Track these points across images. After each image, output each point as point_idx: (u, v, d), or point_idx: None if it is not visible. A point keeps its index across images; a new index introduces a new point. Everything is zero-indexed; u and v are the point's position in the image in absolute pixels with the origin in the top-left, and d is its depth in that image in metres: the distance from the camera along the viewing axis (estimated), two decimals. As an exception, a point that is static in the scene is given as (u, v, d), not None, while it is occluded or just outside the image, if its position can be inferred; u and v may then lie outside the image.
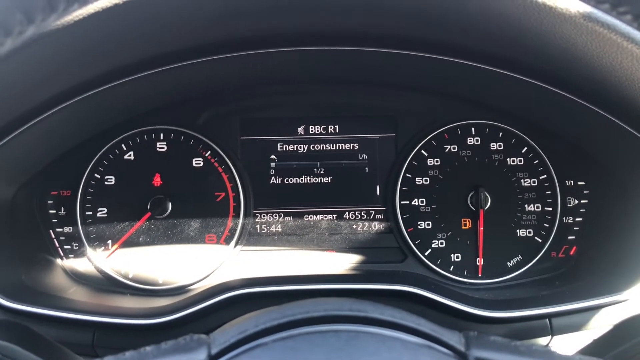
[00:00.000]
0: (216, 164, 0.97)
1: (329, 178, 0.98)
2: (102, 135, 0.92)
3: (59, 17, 0.47)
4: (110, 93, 0.70)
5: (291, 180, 0.98)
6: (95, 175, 0.95)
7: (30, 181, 0.86)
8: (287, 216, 0.98)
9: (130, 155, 0.96)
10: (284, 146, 0.99)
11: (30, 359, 0.49)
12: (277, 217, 0.98)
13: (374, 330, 0.42)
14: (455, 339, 0.42)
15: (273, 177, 0.98)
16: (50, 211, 0.95)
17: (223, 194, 0.97)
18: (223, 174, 0.97)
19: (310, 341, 0.40)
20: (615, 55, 0.55)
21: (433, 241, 0.97)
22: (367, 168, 0.98)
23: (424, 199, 0.97)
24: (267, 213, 0.98)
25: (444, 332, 0.43)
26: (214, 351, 0.40)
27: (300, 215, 0.98)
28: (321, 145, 0.99)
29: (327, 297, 0.48)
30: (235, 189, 0.97)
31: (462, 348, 0.41)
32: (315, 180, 0.99)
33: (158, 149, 0.96)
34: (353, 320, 0.43)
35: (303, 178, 0.99)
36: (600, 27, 0.51)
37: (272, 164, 0.98)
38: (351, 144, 0.99)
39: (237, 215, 0.96)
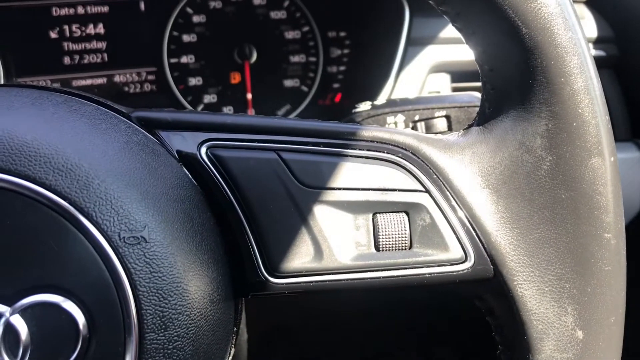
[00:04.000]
0: (-33, 31, 0.92)
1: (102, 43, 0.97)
2: None
3: None
4: None
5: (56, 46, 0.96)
6: None
7: None
8: (55, 84, 0.96)
9: None
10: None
11: None
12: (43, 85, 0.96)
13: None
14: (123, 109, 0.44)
15: (38, 43, 0.95)
16: None
17: (-21, 63, 0.93)
18: (-23, 42, 0.93)
19: None
20: None
21: (205, 96, 1.00)
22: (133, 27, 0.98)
23: (192, 56, 0.99)
24: (32, 82, 0.96)
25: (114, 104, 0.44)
26: None
27: (68, 83, 0.97)
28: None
29: None
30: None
31: (126, 110, 0.44)
32: (85, 45, 0.97)
33: None
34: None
35: (69, 44, 0.97)
36: None
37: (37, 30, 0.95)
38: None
39: (-3, 84, 0.93)
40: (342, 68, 1.04)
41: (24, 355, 0.34)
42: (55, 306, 0.34)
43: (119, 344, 0.35)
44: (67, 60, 0.97)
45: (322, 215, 0.42)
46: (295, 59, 1.02)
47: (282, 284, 0.42)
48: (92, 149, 0.37)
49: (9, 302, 0.34)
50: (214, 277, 0.39)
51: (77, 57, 0.97)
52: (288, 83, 1.02)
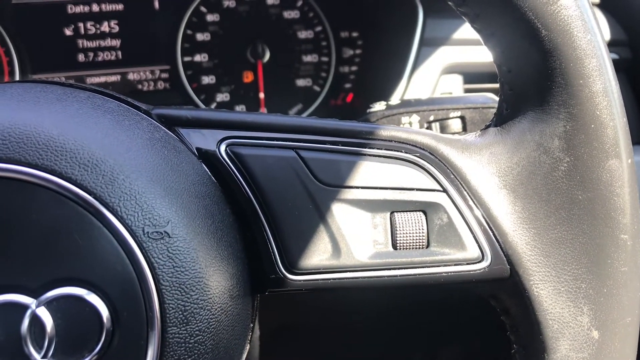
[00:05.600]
0: (-15, 28, 0.93)
1: (116, 40, 0.98)
2: None
3: None
4: None
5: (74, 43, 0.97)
6: None
7: None
8: (69, 81, 0.97)
9: None
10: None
11: None
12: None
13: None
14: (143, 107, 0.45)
15: (53, 40, 0.96)
16: None
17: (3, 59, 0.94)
18: (-7, 38, 0.94)
19: None
20: None
21: (217, 95, 1.00)
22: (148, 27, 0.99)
23: (206, 54, 1.00)
24: (46, 79, 0.96)
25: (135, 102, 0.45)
26: None
27: (82, 80, 0.98)
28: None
29: None
30: (8, 52, 0.94)
31: (146, 107, 0.44)
32: (99, 43, 0.98)
33: None
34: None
35: (84, 42, 0.98)
36: None
37: (53, 27, 0.96)
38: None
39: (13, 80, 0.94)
40: (354, 68, 1.04)
41: (49, 347, 0.35)
42: (80, 299, 0.35)
43: (141, 338, 0.35)
44: (81, 57, 0.98)
45: (340, 213, 0.43)
46: (307, 58, 1.02)
47: (300, 280, 0.42)
48: (116, 145, 0.37)
49: (35, 295, 0.35)
50: (234, 273, 0.40)
51: (91, 54, 0.98)
52: (300, 83, 1.02)
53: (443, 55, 0.90)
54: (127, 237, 0.35)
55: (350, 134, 0.44)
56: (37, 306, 0.35)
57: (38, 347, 0.35)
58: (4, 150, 0.35)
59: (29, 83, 0.43)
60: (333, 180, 0.43)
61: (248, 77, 1.01)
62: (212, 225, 0.39)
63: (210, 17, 1.00)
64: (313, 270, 0.42)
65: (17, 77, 0.94)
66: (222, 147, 0.43)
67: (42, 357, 0.34)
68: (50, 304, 0.35)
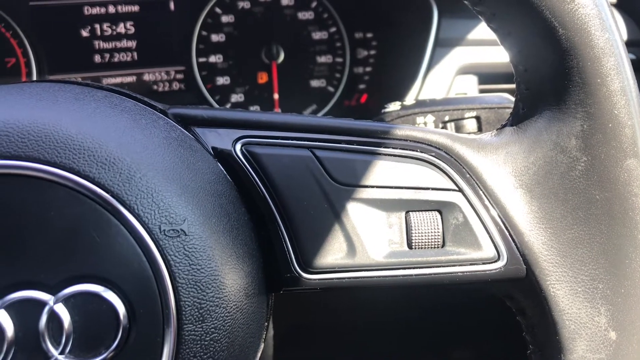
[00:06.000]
0: (3, 29, 0.94)
1: (132, 42, 0.99)
2: None
3: None
4: None
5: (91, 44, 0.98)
6: None
7: None
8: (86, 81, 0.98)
9: None
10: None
11: None
12: (75, 82, 0.98)
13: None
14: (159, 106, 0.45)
15: (69, 41, 0.97)
16: None
17: (14, 60, 0.95)
18: (12, 39, 0.95)
19: None
20: None
21: (232, 95, 1.01)
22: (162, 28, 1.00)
23: (220, 55, 1.00)
24: (63, 79, 0.97)
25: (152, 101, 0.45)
26: None
27: (98, 80, 0.99)
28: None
29: None
30: (26, 53, 0.95)
31: (162, 107, 0.45)
32: (115, 44, 0.99)
33: None
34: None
35: (100, 43, 0.98)
36: None
37: (69, 28, 0.97)
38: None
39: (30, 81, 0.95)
40: (368, 69, 1.04)
41: (67, 343, 0.35)
42: (97, 296, 0.35)
43: (157, 335, 0.35)
44: (97, 58, 0.99)
45: (356, 212, 0.43)
46: (322, 59, 1.02)
47: (315, 279, 0.42)
48: (133, 144, 0.38)
49: (53, 291, 0.35)
50: (249, 271, 0.40)
51: (107, 55, 0.99)
52: (314, 83, 1.02)
53: (458, 56, 0.89)
54: (144, 235, 0.35)
55: (365, 134, 0.44)
56: (55, 303, 0.35)
57: (56, 343, 0.35)
58: (23, 149, 0.35)
59: (47, 83, 0.43)
60: (348, 180, 0.43)
61: (262, 78, 1.01)
62: (227, 224, 0.39)
63: (225, 19, 1.00)
64: (328, 269, 0.42)
65: (35, 78, 0.95)
66: (238, 147, 0.43)
67: (60, 353, 0.35)
68: (67, 301, 0.35)
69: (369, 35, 1.04)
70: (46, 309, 0.35)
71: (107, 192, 0.35)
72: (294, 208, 0.42)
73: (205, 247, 0.37)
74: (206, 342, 0.36)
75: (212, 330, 0.37)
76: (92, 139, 0.37)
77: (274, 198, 0.42)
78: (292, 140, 0.43)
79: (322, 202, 0.42)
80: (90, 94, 0.41)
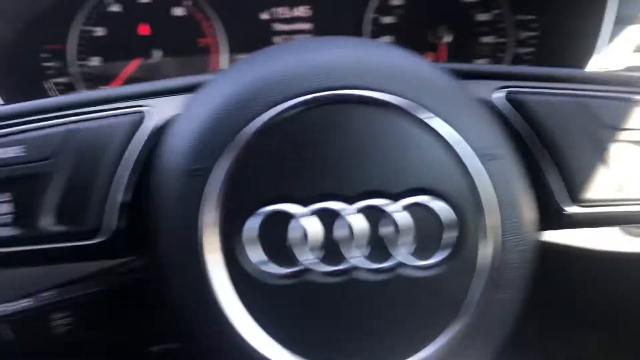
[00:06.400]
0: (199, 13, 1.04)
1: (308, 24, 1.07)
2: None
3: None
4: None
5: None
6: (86, 27, 1.02)
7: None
8: (266, 60, 1.07)
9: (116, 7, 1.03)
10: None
11: None
12: (257, 60, 1.07)
13: None
14: None
15: (250, 23, 1.06)
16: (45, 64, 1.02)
17: (209, 40, 1.05)
18: (205, 22, 1.05)
19: None
20: None
21: (400, 74, 1.07)
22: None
23: (391, 37, 1.07)
24: (247, 58, 1.06)
25: None
26: None
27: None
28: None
29: None
30: (213, 35, 1.05)
31: None
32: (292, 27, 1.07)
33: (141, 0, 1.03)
34: None
35: (278, 25, 1.07)
36: None
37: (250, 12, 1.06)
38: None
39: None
40: (530, 49, 1.07)
41: (409, 244, 0.42)
42: (430, 208, 0.42)
43: (480, 243, 0.42)
44: (276, 40, 1.07)
45: (623, 152, 0.47)
46: (485, 40, 1.07)
47: (586, 213, 0.47)
48: (454, 84, 0.44)
49: (395, 199, 0.42)
50: (533, 202, 0.45)
51: (285, 37, 1.07)
52: (478, 62, 1.07)
53: (635, 34, 0.91)
54: (471, 156, 0.42)
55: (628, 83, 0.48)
56: (395, 211, 0.42)
57: (398, 244, 0.42)
58: (372, 81, 0.42)
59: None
60: (617, 124, 0.47)
61: (429, 57, 1.07)
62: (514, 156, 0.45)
63: (395, 2, 1.06)
64: (599, 204, 0.47)
65: (224, 57, 1.05)
66: (501, 94, 0.49)
67: (403, 253, 0.41)
68: (408, 208, 0.42)
69: (531, 17, 1.07)
70: (389, 212, 0.41)
71: (439, 117, 0.42)
72: (565, 147, 0.47)
73: (512, 171, 0.43)
74: (518, 253, 0.42)
75: (522, 243, 0.42)
76: (418, 71, 0.43)
77: (545, 141, 0.47)
78: (559, 89, 0.49)
79: (591, 143, 0.47)
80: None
